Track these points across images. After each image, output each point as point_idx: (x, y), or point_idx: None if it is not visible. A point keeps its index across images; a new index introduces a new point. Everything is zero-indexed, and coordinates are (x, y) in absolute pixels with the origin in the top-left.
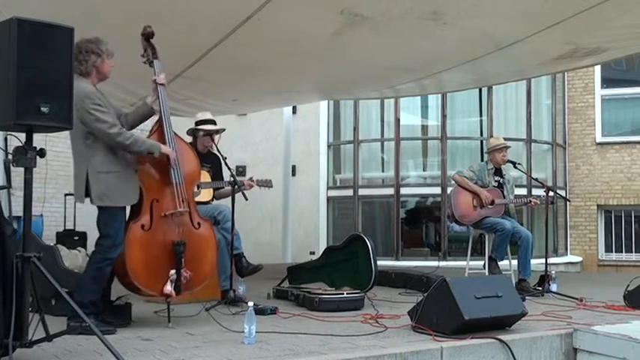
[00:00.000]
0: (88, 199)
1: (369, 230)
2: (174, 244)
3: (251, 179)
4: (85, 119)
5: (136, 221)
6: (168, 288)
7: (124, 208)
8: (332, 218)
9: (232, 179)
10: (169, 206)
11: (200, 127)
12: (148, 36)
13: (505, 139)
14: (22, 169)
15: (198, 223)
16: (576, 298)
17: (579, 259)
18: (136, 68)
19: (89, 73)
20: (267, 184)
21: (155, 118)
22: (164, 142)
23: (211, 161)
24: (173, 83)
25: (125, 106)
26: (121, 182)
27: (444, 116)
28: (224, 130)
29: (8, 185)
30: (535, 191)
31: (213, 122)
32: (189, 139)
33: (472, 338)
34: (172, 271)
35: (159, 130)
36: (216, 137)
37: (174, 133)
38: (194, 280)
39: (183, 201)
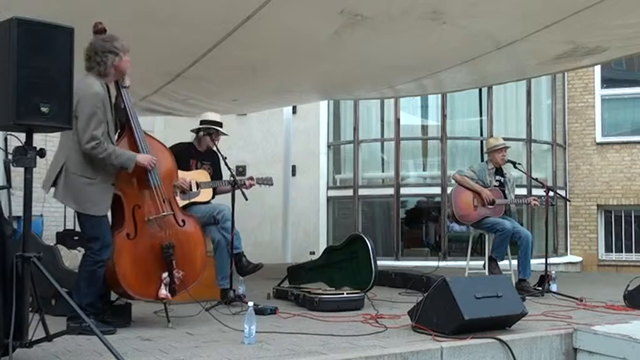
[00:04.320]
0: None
1: (369, 230)
2: (162, 247)
3: (251, 178)
4: (79, 113)
5: (120, 231)
6: (163, 292)
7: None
8: (332, 218)
9: (232, 179)
10: (152, 210)
11: (214, 127)
12: (100, 33)
13: (505, 139)
14: (22, 169)
15: (183, 221)
16: (576, 298)
17: (579, 259)
18: (137, 68)
19: (108, 73)
20: (267, 181)
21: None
22: (135, 144)
23: (211, 159)
24: (173, 83)
25: None
26: (94, 190)
27: (444, 116)
28: (226, 134)
29: (8, 185)
30: (535, 191)
31: (221, 124)
32: (185, 138)
33: (472, 338)
34: (165, 274)
35: (128, 133)
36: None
37: (145, 133)
38: (187, 279)
39: (164, 202)
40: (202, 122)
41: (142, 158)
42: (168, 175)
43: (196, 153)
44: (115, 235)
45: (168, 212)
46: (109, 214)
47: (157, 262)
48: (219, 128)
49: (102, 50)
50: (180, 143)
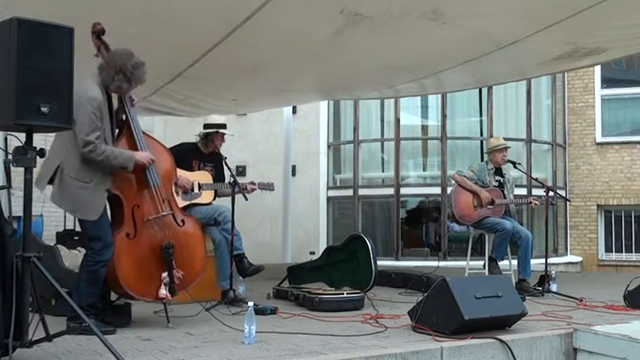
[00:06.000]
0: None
1: (369, 230)
2: (162, 247)
3: (252, 183)
4: (76, 117)
5: (119, 231)
6: (163, 292)
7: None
8: (332, 218)
9: (232, 180)
10: (151, 210)
11: (221, 130)
12: (99, 33)
13: (505, 139)
14: (22, 169)
15: (182, 221)
16: (576, 298)
17: (579, 259)
18: None
19: (109, 86)
20: (268, 187)
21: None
22: (134, 145)
23: (213, 161)
24: (173, 83)
25: None
26: (87, 194)
27: (444, 116)
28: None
29: (8, 185)
30: (535, 191)
31: (225, 126)
32: (185, 138)
33: (472, 338)
34: (165, 274)
35: (127, 133)
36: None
37: (144, 133)
38: (187, 279)
39: (163, 202)
40: (210, 126)
41: (140, 156)
42: (167, 176)
43: (200, 154)
44: (114, 236)
45: (167, 212)
46: (109, 214)
47: (156, 262)
48: (226, 131)
49: (121, 69)
50: (184, 143)
